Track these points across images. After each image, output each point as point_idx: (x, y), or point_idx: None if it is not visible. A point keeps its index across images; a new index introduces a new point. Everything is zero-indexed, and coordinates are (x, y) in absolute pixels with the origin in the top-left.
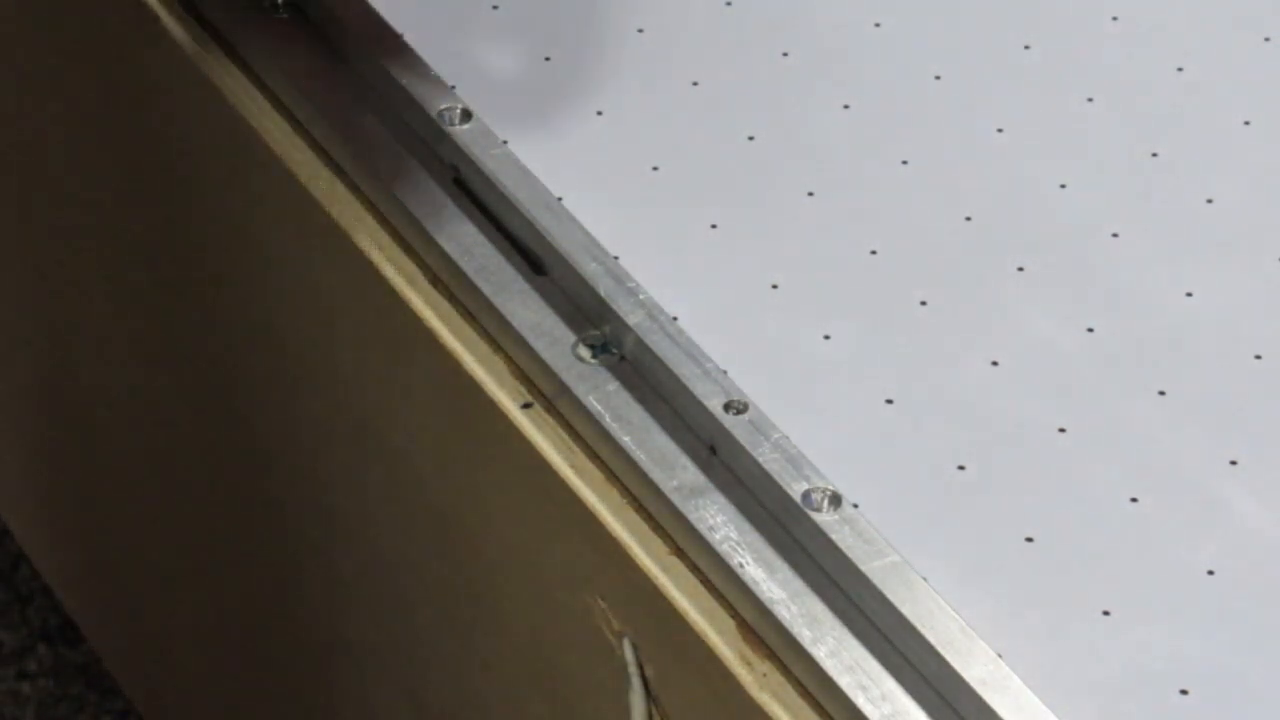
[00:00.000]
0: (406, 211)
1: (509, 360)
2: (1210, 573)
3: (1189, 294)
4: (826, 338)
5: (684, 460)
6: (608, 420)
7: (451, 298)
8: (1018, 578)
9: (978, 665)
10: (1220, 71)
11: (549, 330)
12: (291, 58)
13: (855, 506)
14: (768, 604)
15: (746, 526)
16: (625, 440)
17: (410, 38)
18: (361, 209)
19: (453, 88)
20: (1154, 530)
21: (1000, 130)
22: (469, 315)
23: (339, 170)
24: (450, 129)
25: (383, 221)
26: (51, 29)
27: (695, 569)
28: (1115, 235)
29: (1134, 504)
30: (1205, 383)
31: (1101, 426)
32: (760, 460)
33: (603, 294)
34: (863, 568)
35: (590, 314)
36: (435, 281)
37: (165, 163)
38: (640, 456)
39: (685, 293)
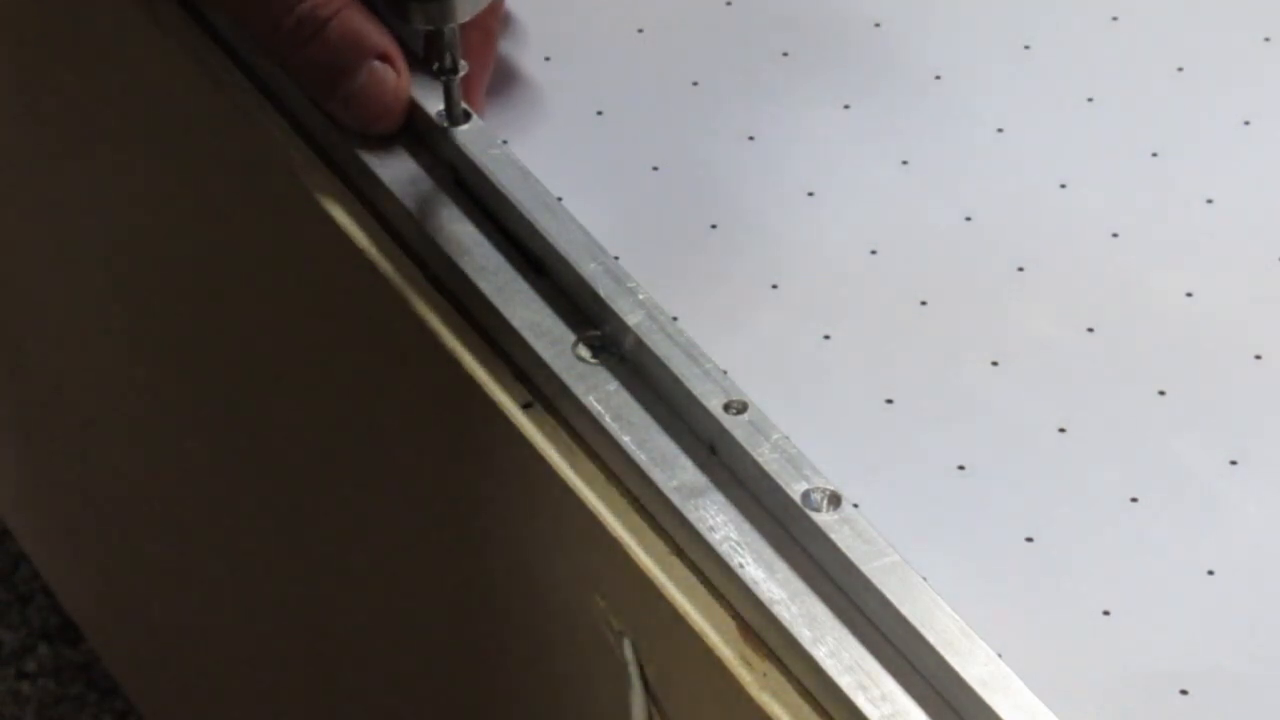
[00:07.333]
0: (406, 211)
1: (509, 360)
2: (1210, 573)
3: (1189, 294)
4: (826, 338)
5: (684, 460)
6: (608, 420)
7: (451, 298)
8: (1018, 578)
9: (978, 665)
10: (1220, 71)
11: (549, 330)
12: None
13: (855, 506)
14: (768, 604)
15: (746, 526)
16: (625, 440)
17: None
18: (360, 208)
19: None
20: (1154, 530)
21: (1000, 130)
22: (469, 315)
23: (338, 169)
24: (450, 128)
25: (382, 221)
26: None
27: (695, 569)
28: (1115, 235)
29: (1134, 504)
30: (1205, 383)
31: (1101, 426)
32: (760, 460)
33: (602, 294)
34: (863, 568)
35: (590, 314)
36: (435, 281)
37: (181, 175)
38: (640, 456)
39: (685, 293)
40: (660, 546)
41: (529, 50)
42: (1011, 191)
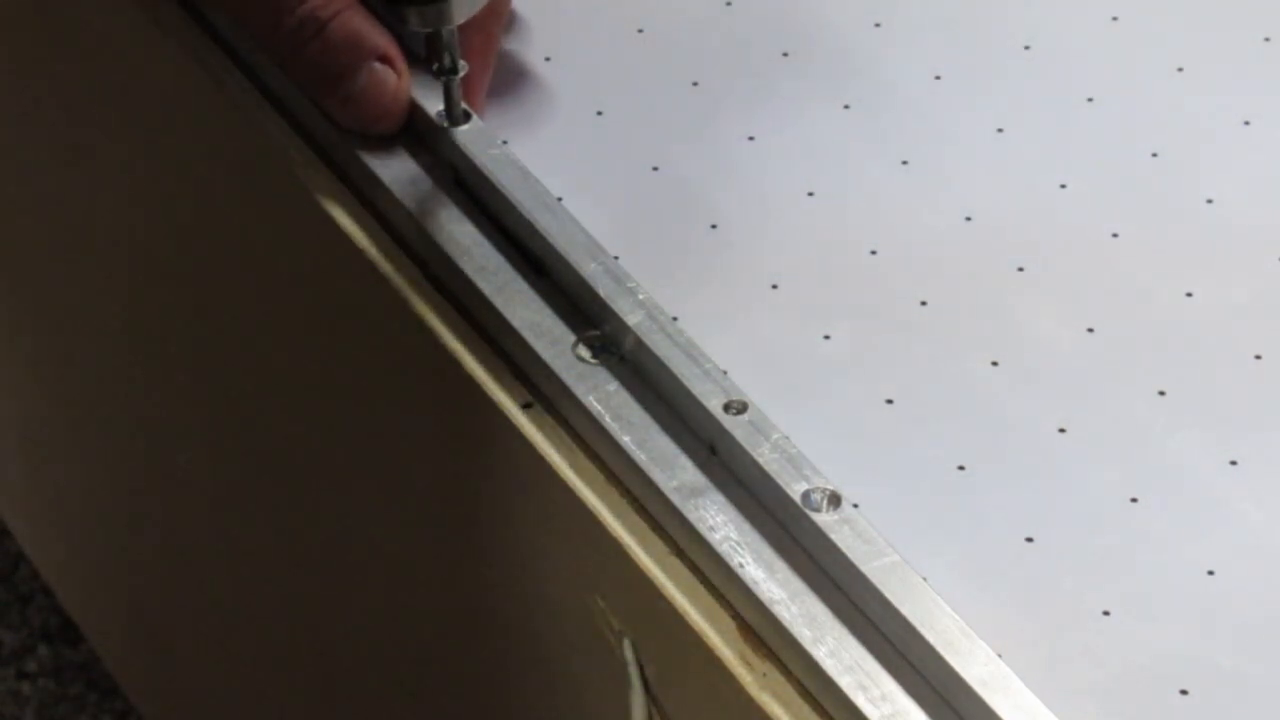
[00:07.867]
0: (406, 211)
1: (509, 360)
2: (1210, 573)
3: (1189, 294)
4: (826, 338)
5: (684, 460)
6: (608, 420)
7: (451, 298)
8: (1018, 578)
9: (978, 665)
10: (1220, 71)
11: (549, 330)
12: None
13: (855, 506)
14: (768, 604)
15: (746, 526)
16: (625, 440)
17: None
18: (360, 208)
19: None
20: (1154, 530)
21: (1000, 130)
22: (469, 315)
23: (338, 169)
24: (450, 128)
25: (382, 221)
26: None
27: (695, 569)
28: (1115, 235)
29: (1134, 504)
30: (1205, 383)
31: (1101, 426)
32: (760, 460)
33: (602, 294)
34: (862, 568)
35: (590, 314)
36: (435, 281)
37: (181, 175)
38: (640, 456)
39: (685, 293)
40: (660, 546)
41: (529, 50)
42: (1011, 191)
